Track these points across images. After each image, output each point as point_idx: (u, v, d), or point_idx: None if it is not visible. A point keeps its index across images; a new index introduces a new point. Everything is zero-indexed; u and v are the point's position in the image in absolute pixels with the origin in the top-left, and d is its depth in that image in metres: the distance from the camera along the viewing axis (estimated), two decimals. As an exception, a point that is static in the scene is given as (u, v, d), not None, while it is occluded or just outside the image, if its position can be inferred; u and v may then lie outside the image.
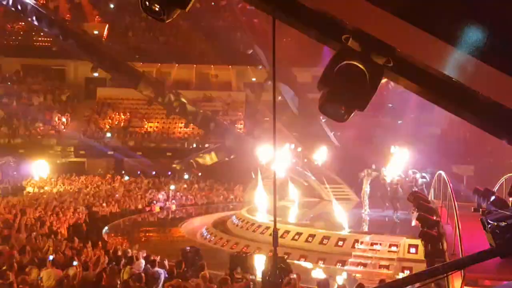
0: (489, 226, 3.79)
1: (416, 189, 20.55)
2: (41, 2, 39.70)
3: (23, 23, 43.41)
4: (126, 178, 36.28)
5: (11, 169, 35.53)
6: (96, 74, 39.94)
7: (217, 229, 22.98)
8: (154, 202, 29.58)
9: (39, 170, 35.98)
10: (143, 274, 10.78)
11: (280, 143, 25.96)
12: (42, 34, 42.17)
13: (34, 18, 34.63)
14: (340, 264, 16.91)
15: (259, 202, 23.36)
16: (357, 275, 15.68)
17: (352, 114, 3.90)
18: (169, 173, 37.06)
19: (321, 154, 30.75)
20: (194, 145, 39.00)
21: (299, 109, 34.96)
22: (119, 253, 14.06)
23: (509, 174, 14.54)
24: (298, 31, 4.14)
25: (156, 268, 11.69)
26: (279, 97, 33.58)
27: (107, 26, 45.03)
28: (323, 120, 32.33)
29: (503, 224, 3.73)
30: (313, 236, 18.77)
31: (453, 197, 11.39)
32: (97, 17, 45.88)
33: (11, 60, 43.37)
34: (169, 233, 24.83)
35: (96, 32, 44.04)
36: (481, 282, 8.02)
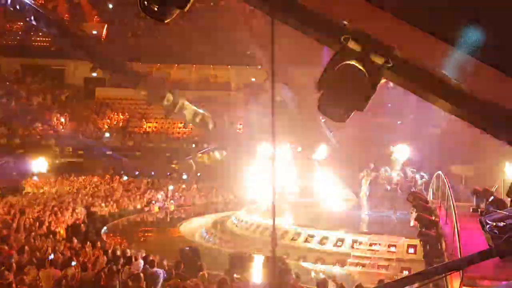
0: (487, 226, 3.78)
1: (415, 189, 20.56)
2: (40, 2, 39.69)
3: (22, 23, 43.40)
4: (125, 178, 36.26)
5: (10, 169, 35.48)
6: (95, 74, 39.94)
7: (216, 229, 22.98)
8: (153, 202, 29.57)
9: (38, 170, 35.91)
10: (141, 274, 10.76)
11: (280, 143, 25.94)
12: (41, 34, 42.17)
13: (32, 18, 34.62)
14: (339, 265, 16.92)
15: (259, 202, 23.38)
16: (356, 275, 15.68)
17: (352, 115, 3.90)
18: (168, 173, 37.05)
19: (320, 154, 30.73)
20: (193, 146, 39.00)
21: (298, 110, 34.93)
22: (118, 253, 14.04)
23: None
24: (297, 31, 4.13)
25: (155, 268, 11.68)
26: (278, 98, 33.56)
27: (105, 26, 45.03)
28: (322, 120, 32.31)
29: (501, 224, 3.73)
30: (312, 236, 18.78)
31: (451, 198, 11.39)
32: (96, 17, 45.88)
33: (10, 60, 43.35)
34: (168, 233, 24.80)
35: (94, 32, 44.05)
36: (480, 282, 8.03)
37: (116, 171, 37.97)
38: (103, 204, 26.42)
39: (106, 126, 40.49)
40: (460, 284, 7.90)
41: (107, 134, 39.41)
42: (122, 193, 30.23)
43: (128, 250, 14.35)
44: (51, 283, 10.78)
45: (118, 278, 10.95)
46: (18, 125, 38.87)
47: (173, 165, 37.37)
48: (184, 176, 36.65)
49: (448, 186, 12.44)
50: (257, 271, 12.84)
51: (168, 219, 27.74)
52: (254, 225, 21.27)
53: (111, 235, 22.29)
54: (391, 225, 21.41)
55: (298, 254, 17.85)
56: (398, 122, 34.73)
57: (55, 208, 22.37)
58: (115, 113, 41.68)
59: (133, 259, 12.70)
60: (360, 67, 3.68)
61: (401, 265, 16.15)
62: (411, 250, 16.39)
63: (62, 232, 19.03)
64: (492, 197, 12.09)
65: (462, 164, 29.89)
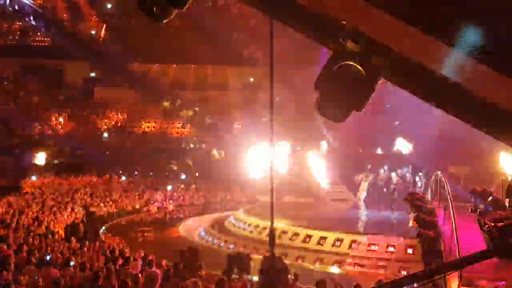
0: (486, 226, 3.80)
1: (414, 190, 20.58)
2: (39, 2, 39.67)
3: (20, 23, 43.37)
4: (124, 178, 36.24)
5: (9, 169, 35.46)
6: (93, 74, 39.93)
7: (215, 229, 22.97)
8: (152, 202, 29.55)
9: (36, 170, 35.89)
10: (140, 275, 10.75)
11: (278, 142, 25.94)
12: (39, 34, 42.15)
13: (31, 17, 34.63)
14: (338, 265, 16.92)
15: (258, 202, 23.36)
16: (355, 275, 15.68)
17: (350, 115, 3.90)
18: (167, 173, 37.05)
19: (319, 154, 30.75)
20: (192, 145, 39.01)
21: (296, 110, 34.97)
22: (117, 253, 14.03)
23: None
24: (296, 31, 4.13)
25: (154, 269, 11.66)
26: (277, 98, 33.58)
27: (104, 26, 45.01)
28: (320, 121, 32.35)
29: (500, 224, 3.74)
30: (310, 236, 18.78)
31: (450, 198, 11.40)
32: (94, 17, 45.86)
33: (9, 60, 43.30)
34: (167, 233, 24.79)
35: (93, 32, 44.04)
36: (478, 282, 8.03)
37: (114, 171, 37.97)
38: (101, 204, 26.41)
39: (104, 126, 40.46)
40: (459, 284, 7.89)
41: (105, 134, 39.36)
42: (121, 193, 30.22)
43: (126, 250, 14.35)
44: (50, 283, 10.77)
45: (117, 278, 10.95)
46: (17, 125, 38.84)
47: (172, 165, 37.34)
48: (183, 176, 36.63)
49: (447, 186, 12.43)
50: (255, 271, 12.85)
51: (167, 219, 27.71)
52: (253, 225, 21.26)
53: (110, 235, 22.26)
54: (390, 225, 21.44)
55: (296, 254, 17.85)
56: (396, 123, 34.81)
57: (54, 208, 22.37)
58: (114, 113, 41.66)
59: (132, 259, 12.69)
60: (359, 67, 3.68)
61: (400, 265, 16.15)
62: (410, 250, 16.40)
63: (61, 232, 19.02)
64: (490, 197, 12.09)
65: (461, 164, 29.96)
